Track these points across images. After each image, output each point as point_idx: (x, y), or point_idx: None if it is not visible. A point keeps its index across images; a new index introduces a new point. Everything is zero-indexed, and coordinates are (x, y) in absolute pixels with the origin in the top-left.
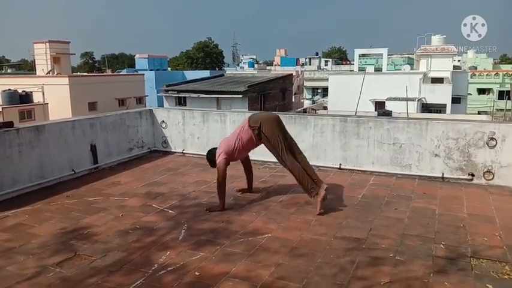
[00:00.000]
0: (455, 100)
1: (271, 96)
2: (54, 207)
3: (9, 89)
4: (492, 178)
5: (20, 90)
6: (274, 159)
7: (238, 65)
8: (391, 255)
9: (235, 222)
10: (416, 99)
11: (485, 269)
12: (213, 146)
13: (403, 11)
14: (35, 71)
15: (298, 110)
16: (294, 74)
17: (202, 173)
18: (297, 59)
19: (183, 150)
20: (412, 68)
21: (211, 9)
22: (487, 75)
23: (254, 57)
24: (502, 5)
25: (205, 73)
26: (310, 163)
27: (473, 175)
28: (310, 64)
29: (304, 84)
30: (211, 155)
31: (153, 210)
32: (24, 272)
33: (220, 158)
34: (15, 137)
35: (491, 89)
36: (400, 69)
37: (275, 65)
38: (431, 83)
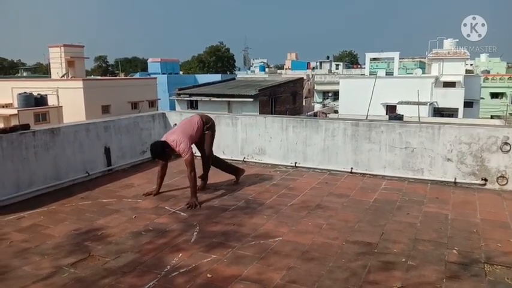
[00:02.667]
0: (468, 104)
1: (282, 100)
2: (69, 208)
3: (25, 92)
4: (506, 183)
5: (35, 93)
6: (286, 163)
7: (249, 68)
8: (403, 260)
9: (246, 225)
10: (428, 103)
11: (500, 276)
12: (225, 150)
13: (415, 14)
14: (50, 74)
15: (308, 113)
16: (305, 77)
17: (214, 176)
18: (308, 63)
19: (195, 153)
20: (423, 72)
21: (223, 14)
22: (500, 79)
23: (265, 61)
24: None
25: (217, 77)
26: (322, 166)
27: (486, 180)
28: (321, 68)
29: (315, 88)
30: (157, 148)
31: (165, 212)
32: (39, 272)
33: (189, 152)
34: (31, 139)
35: (505, 93)
36: (412, 73)
37: (286, 69)
38: (443, 87)
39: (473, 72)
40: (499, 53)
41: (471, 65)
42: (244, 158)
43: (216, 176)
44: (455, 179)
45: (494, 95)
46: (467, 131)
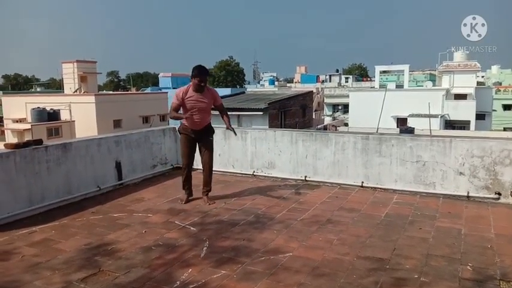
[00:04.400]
0: (480, 116)
1: (292, 113)
2: (80, 223)
3: (38, 107)
4: None
5: (48, 108)
6: (295, 177)
7: (258, 82)
8: (416, 276)
9: (256, 240)
10: (439, 116)
11: None
12: (234, 163)
13: (425, 27)
14: (63, 89)
15: (318, 126)
16: (314, 91)
17: (224, 190)
18: (317, 76)
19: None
20: (434, 85)
21: (233, 29)
22: None
23: (274, 74)
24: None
25: (227, 91)
26: (332, 180)
27: (500, 194)
28: (330, 81)
29: (325, 101)
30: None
31: (175, 226)
32: (50, 286)
33: None
34: (44, 154)
35: None
36: (422, 86)
37: (295, 82)
38: (455, 99)
39: (484, 84)
40: (498, 53)
41: (482, 76)
42: (254, 171)
43: (225, 189)
44: (468, 193)
45: (506, 107)
46: (479, 144)
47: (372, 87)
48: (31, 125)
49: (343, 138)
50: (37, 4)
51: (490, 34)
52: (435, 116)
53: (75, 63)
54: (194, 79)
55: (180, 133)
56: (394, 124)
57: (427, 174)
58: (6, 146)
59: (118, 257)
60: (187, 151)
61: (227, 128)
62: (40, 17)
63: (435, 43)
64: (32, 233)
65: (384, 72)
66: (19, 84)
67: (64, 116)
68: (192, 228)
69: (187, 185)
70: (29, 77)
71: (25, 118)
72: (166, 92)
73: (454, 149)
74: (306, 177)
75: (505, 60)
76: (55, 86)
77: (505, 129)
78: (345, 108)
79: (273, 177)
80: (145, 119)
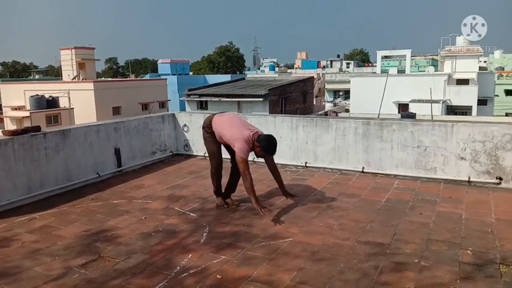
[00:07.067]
0: (482, 102)
1: (292, 99)
2: (79, 209)
3: (37, 95)
4: None
5: (47, 96)
6: (296, 163)
7: (259, 68)
8: (416, 260)
9: (256, 225)
10: (441, 101)
11: None
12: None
13: (427, 11)
14: (61, 76)
15: (319, 112)
16: (315, 76)
17: (224, 177)
18: (318, 62)
19: (205, 153)
20: (436, 70)
21: (233, 14)
22: None
23: (275, 60)
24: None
25: (227, 77)
26: (332, 166)
27: (501, 179)
28: (331, 67)
29: (326, 87)
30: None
31: (175, 213)
32: (50, 272)
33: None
34: (42, 141)
35: None
36: (424, 71)
37: (296, 68)
38: (456, 84)
39: (487, 69)
40: (502, 38)
41: (485, 61)
42: (254, 158)
43: (225, 176)
44: (469, 178)
45: (508, 92)
46: (481, 129)
47: (373, 73)
48: (30, 113)
49: (344, 124)
50: None
51: (494, 23)
52: (437, 102)
53: (73, 50)
54: (261, 150)
55: (207, 132)
56: (395, 110)
57: (428, 159)
58: (4, 133)
59: (118, 243)
60: (218, 151)
61: (284, 195)
62: (38, 3)
63: (438, 27)
64: (31, 219)
65: (386, 57)
66: (17, 72)
67: (63, 103)
68: (192, 214)
69: (220, 187)
70: (27, 64)
71: (24, 106)
72: (166, 79)
73: (456, 134)
74: (306, 163)
75: (508, 45)
76: (53, 73)
77: (507, 115)
78: (346, 94)
79: None
80: (145, 106)
